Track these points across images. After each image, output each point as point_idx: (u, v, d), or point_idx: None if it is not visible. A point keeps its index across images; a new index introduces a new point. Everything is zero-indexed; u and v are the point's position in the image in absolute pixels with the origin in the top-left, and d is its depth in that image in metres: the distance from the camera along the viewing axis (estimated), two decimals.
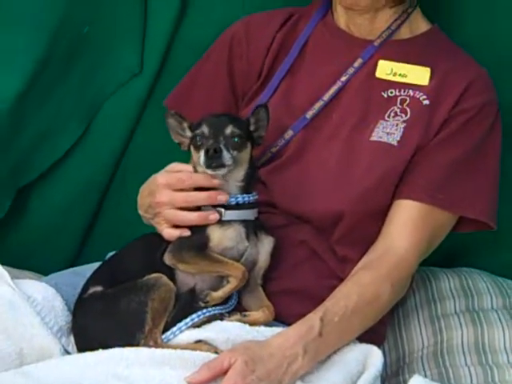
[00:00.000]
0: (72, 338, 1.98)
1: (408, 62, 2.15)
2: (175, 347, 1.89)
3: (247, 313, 1.99)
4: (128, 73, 2.48)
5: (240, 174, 1.99)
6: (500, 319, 2.23)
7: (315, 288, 2.07)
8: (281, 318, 2.02)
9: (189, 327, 1.93)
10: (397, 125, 2.11)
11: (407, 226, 2.07)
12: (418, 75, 2.14)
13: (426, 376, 2.19)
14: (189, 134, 2.01)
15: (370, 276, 2.03)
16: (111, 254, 2.16)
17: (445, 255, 2.35)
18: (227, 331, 1.93)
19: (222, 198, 1.98)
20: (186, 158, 2.05)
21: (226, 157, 1.93)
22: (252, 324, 1.96)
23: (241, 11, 2.36)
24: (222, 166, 1.93)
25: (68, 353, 1.97)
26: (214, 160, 1.92)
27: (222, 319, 1.96)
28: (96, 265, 2.10)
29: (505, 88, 2.22)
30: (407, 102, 2.13)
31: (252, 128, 2.01)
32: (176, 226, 2.01)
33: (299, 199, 2.11)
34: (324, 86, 2.17)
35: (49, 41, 2.37)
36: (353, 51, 2.19)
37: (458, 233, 2.18)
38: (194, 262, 1.96)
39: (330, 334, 1.93)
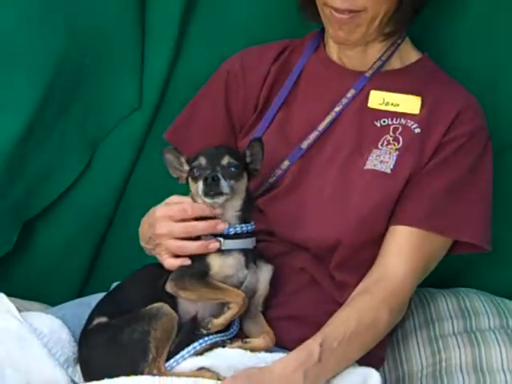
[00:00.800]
0: (78, 368, 2.01)
1: (399, 92, 2.19)
2: (179, 375, 1.92)
3: (248, 339, 2.02)
4: (128, 107, 2.50)
5: (237, 203, 2.04)
6: (497, 339, 2.24)
7: (314, 314, 2.10)
8: (281, 344, 2.05)
9: (191, 355, 1.96)
10: (390, 153, 2.14)
11: (403, 251, 2.10)
12: (410, 104, 2.18)
13: None
14: (186, 167, 2.06)
15: (367, 301, 2.06)
16: (116, 284, 2.20)
17: (442, 276, 2.37)
18: (229, 358, 1.96)
19: (221, 226, 2.02)
20: (185, 192, 2.09)
21: (224, 185, 1.98)
22: (253, 350, 2.00)
23: (237, 45, 2.38)
24: (220, 194, 1.98)
25: (75, 383, 2.01)
26: (212, 188, 1.97)
27: (223, 346, 1.99)
28: (101, 295, 2.14)
29: (494, 112, 2.26)
30: (399, 130, 2.16)
31: (248, 160, 2.06)
32: (177, 256, 2.05)
33: (297, 227, 2.15)
34: (318, 117, 2.21)
35: (49, 79, 2.40)
36: (345, 82, 2.22)
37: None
38: (195, 289, 2.00)
39: (330, 360, 1.96)
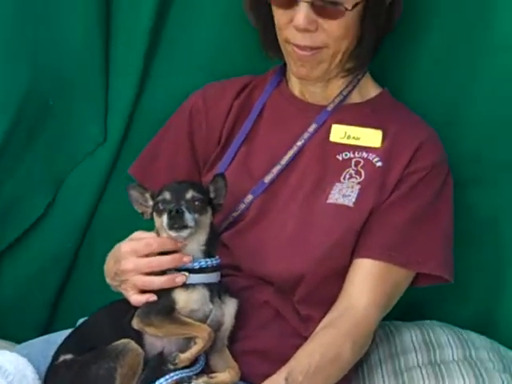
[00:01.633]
0: None
1: (360, 125, 2.21)
2: None
3: (214, 374, 2.03)
4: (93, 143, 2.52)
5: (202, 237, 2.05)
6: (461, 370, 2.23)
7: (279, 347, 2.11)
8: (247, 379, 2.06)
9: None
10: (352, 186, 2.16)
11: (366, 284, 2.11)
12: (371, 138, 2.19)
13: None
14: (151, 202, 2.08)
15: (331, 335, 2.07)
16: (81, 320, 2.19)
17: (406, 308, 2.38)
18: None
19: (186, 259, 2.03)
20: (150, 227, 2.10)
21: (188, 218, 1.99)
22: None
23: (200, 80, 2.41)
24: (185, 227, 1.99)
25: None
26: (176, 221, 1.99)
27: (189, 382, 1.99)
28: (67, 332, 2.13)
29: (454, 147, 2.29)
30: (361, 163, 2.18)
31: (212, 195, 2.08)
32: (143, 292, 2.05)
33: (260, 261, 2.16)
34: (281, 151, 2.23)
35: (14, 113, 2.42)
36: (307, 116, 2.24)
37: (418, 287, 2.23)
38: (161, 325, 2.00)
39: None
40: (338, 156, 2.21)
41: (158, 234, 2.07)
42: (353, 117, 2.23)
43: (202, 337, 1.99)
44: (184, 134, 2.35)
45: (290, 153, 2.23)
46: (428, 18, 2.35)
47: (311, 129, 2.23)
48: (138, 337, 2.01)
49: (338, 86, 2.25)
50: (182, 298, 2.01)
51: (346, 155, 2.20)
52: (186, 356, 1.99)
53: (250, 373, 2.07)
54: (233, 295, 2.09)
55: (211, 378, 2.01)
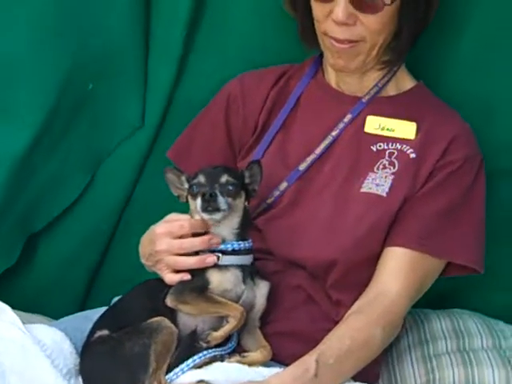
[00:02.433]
0: (80, 380, 2.05)
1: (395, 117, 2.24)
2: None
3: (246, 354, 2.07)
4: (130, 126, 2.55)
5: (235, 220, 2.09)
6: (490, 359, 2.27)
7: (310, 331, 2.14)
8: (278, 359, 2.10)
9: (191, 368, 1.99)
10: (385, 177, 2.18)
11: (398, 272, 2.14)
12: (405, 130, 2.22)
13: None
14: (186, 186, 2.12)
15: (362, 320, 2.10)
16: (116, 298, 2.24)
17: (436, 297, 2.40)
18: (227, 372, 2.00)
19: (214, 240, 2.07)
20: (185, 210, 2.14)
21: (221, 201, 2.03)
22: (251, 364, 2.04)
23: (238, 69, 2.43)
24: (218, 210, 2.03)
25: None
26: (209, 204, 2.02)
27: (222, 360, 2.03)
28: (102, 309, 2.18)
29: (488, 139, 2.31)
30: (395, 155, 2.20)
31: (247, 181, 2.11)
32: (177, 272, 2.09)
33: (293, 247, 2.19)
34: (316, 140, 2.26)
35: (55, 97, 2.45)
36: (343, 107, 2.27)
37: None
38: (195, 303, 2.04)
39: (325, 376, 2.00)
40: (372, 147, 2.23)
41: (192, 217, 2.11)
42: (388, 109, 2.25)
43: (234, 316, 2.02)
44: (221, 120, 2.38)
45: (325, 142, 2.25)
46: (466, 10, 2.36)
47: (346, 119, 2.26)
48: (171, 315, 2.04)
49: (373, 77, 2.27)
50: (216, 278, 2.05)
51: (380, 146, 2.23)
52: (218, 334, 2.03)
53: (281, 353, 2.10)
54: (265, 277, 2.12)
55: (244, 357, 2.05)
